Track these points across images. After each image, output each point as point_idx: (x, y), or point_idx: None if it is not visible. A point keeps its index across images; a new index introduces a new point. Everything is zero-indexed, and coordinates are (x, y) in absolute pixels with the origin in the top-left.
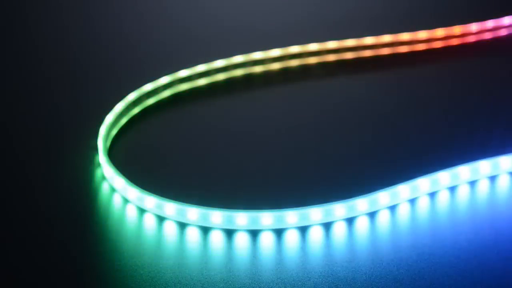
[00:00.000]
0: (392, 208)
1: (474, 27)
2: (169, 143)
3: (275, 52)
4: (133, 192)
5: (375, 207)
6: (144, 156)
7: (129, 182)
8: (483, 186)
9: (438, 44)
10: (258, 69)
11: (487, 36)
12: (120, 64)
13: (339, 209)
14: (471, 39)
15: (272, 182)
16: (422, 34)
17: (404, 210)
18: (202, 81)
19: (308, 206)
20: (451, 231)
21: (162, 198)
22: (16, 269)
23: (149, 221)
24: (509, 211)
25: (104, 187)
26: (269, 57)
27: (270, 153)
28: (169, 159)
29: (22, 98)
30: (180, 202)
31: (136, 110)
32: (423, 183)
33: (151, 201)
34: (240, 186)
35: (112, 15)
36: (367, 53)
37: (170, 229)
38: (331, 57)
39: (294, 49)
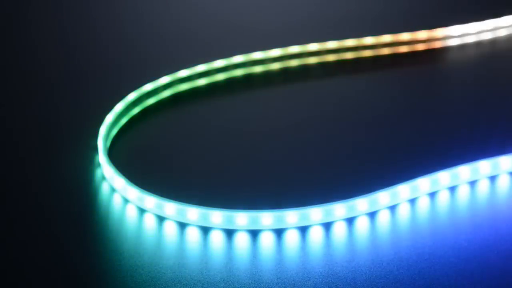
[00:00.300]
0: (392, 208)
1: (474, 27)
2: (169, 143)
3: (275, 52)
4: (133, 192)
5: (375, 207)
6: (144, 156)
7: (129, 182)
8: (483, 186)
9: (437, 44)
10: (258, 69)
11: (486, 36)
12: (120, 64)
13: (339, 209)
14: (470, 39)
15: (272, 182)
16: (422, 34)
17: (404, 210)
18: (202, 81)
19: (308, 206)
20: (451, 231)
21: (162, 198)
22: (16, 269)
23: (149, 221)
24: (509, 211)
25: (104, 187)
26: (269, 57)
27: (270, 153)
28: (169, 159)
29: (22, 98)
30: (180, 202)
31: (136, 110)
32: (423, 183)
33: (151, 201)
34: (240, 186)
35: (112, 15)
36: (367, 53)
37: (170, 229)
38: (331, 57)
39: (294, 49)
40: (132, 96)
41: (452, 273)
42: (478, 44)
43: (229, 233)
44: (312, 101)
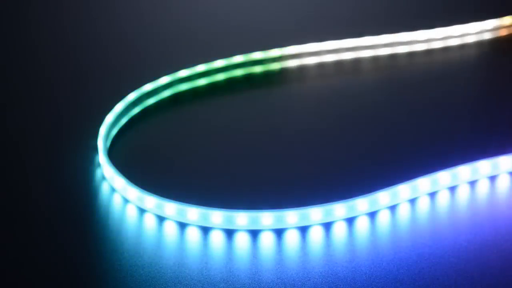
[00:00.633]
0: (392, 208)
1: (474, 27)
2: (169, 143)
3: (275, 52)
4: (133, 192)
5: (375, 207)
6: (144, 156)
7: (129, 182)
8: (483, 186)
9: (438, 44)
10: (258, 69)
11: (487, 36)
12: (120, 64)
13: (339, 209)
14: (471, 39)
15: (272, 182)
16: (422, 34)
17: (404, 210)
18: (202, 81)
19: (308, 206)
20: (451, 231)
21: (162, 198)
22: (16, 269)
23: (149, 221)
24: (509, 211)
25: (104, 187)
26: (269, 57)
27: (270, 153)
28: (169, 159)
29: (22, 98)
30: (180, 202)
31: (136, 110)
32: (423, 183)
33: (151, 201)
34: (240, 186)
35: (112, 15)
36: (367, 53)
37: (170, 229)
38: (330, 57)
39: (294, 49)
40: (132, 96)
41: (452, 273)
42: (478, 44)
43: (229, 233)
44: (312, 101)
